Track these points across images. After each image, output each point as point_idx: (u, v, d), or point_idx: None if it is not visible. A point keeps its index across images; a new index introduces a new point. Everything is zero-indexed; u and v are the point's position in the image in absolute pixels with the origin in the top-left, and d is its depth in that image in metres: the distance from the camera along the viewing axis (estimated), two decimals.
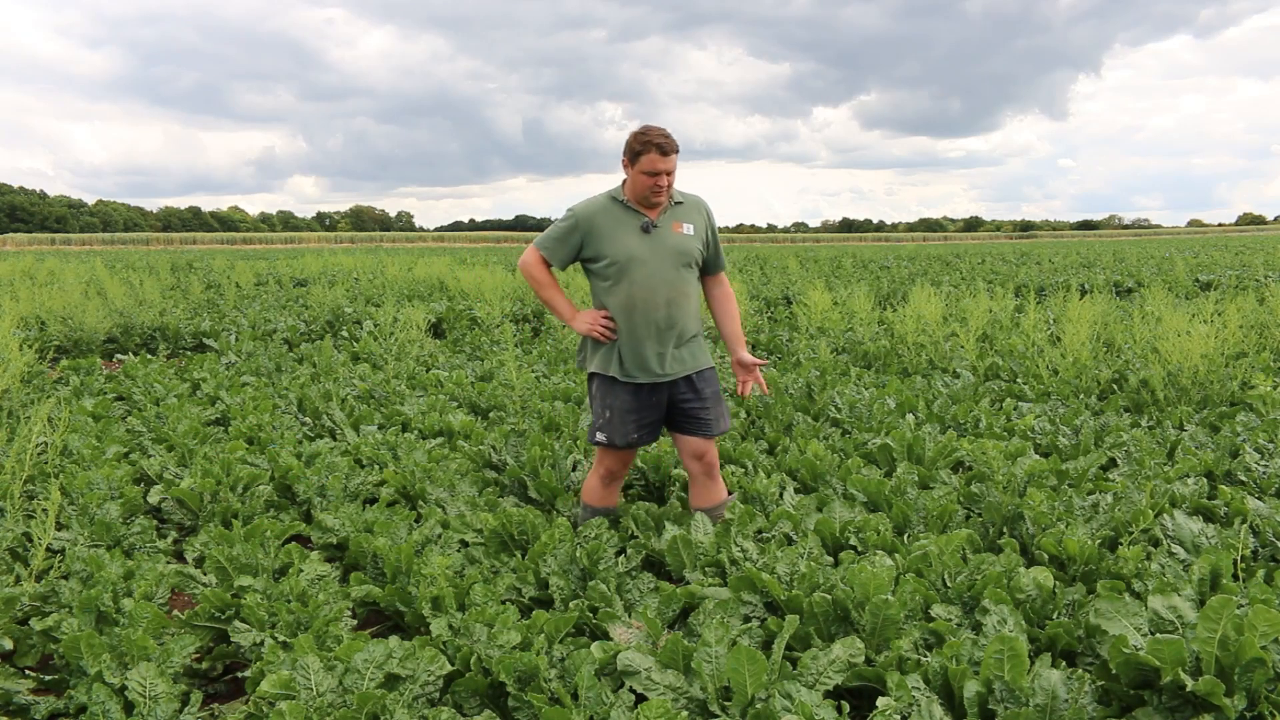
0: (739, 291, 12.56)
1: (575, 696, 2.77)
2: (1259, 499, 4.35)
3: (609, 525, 4.24)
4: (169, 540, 4.50)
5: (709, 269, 4.24)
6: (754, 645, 3.02)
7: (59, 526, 4.41)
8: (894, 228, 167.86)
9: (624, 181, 4.02)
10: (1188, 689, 2.58)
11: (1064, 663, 2.94)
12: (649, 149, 3.81)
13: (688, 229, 4.04)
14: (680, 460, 4.52)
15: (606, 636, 3.21)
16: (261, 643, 3.20)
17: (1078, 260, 27.81)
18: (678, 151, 3.89)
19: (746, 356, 4.26)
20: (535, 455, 5.13)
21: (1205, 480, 4.61)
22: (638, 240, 3.96)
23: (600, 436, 4.09)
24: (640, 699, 2.84)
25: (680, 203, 4.07)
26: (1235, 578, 3.41)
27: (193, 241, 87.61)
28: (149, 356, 10.04)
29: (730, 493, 4.50)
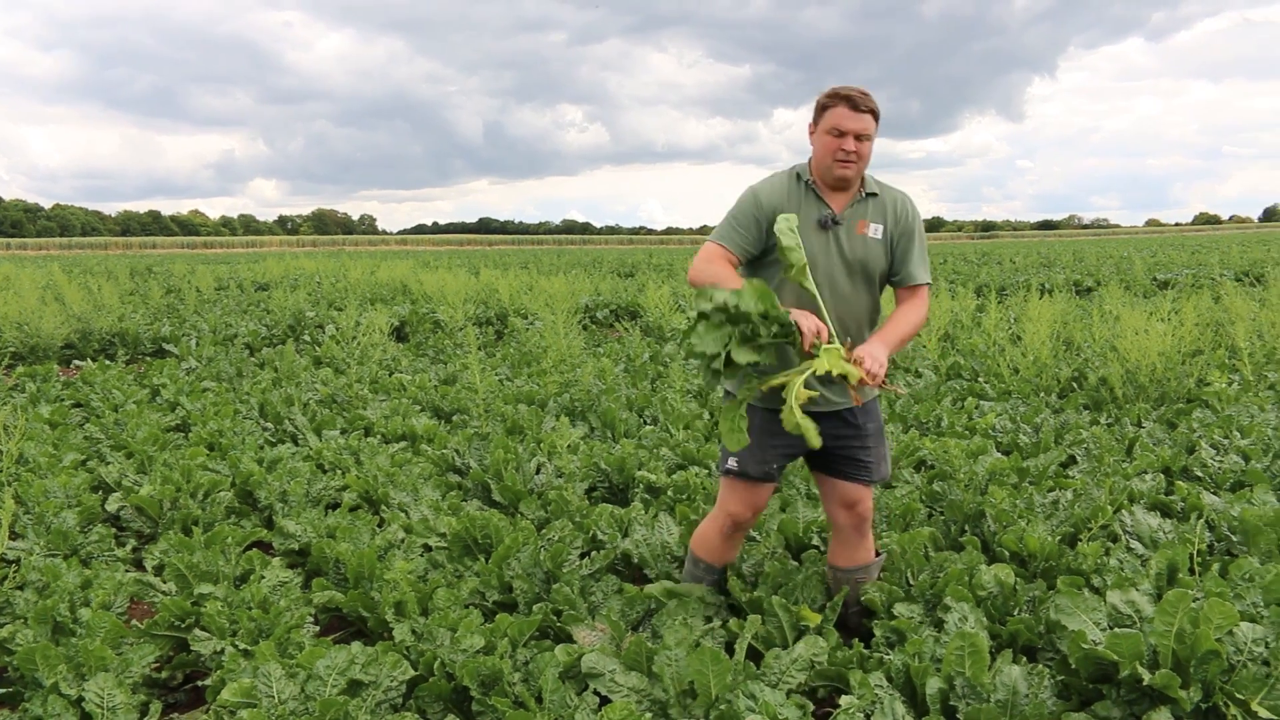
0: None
1: (539, 700, 2.77)
2: (1214, 494, 4.42)
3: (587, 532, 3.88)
4: (128, 548, 4.43)
5: (898, 280, 3.34)
6: (718, 646, 3.03)
7: (14, 535, 4.33)
8: None
9: (810, 158, 3.19)
10: (1145, 682, 2.62)
11: (1025, 658, 2.98)
12: (836, 102, 3.04)
13: (874, 230, 3.18)
14: (823, 507, 3.54)
15: (570, 639, 3.20)
16: (222, 651, 3.16)
17: (1038, 260, 28.16)
18: (876, 115, 3.07)
19: (877, 350, 3.10)
20: (499, 459, 5.11)
21: (1163, 476, 4.68)
22: (813, 238, 3.12)
23: (732, 463, 3.28)
24: (604, 701, 2.84)
25: (874, 194, 3.20)
26: (1191, 572, 3.47)
27: (152, 246, 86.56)
28: (107, 362, 9.89)
29: (880, 553, 3.63)
